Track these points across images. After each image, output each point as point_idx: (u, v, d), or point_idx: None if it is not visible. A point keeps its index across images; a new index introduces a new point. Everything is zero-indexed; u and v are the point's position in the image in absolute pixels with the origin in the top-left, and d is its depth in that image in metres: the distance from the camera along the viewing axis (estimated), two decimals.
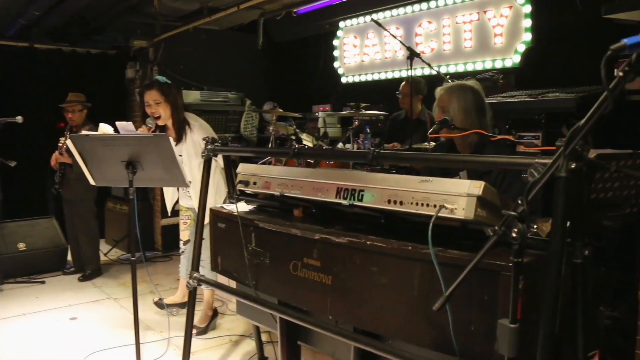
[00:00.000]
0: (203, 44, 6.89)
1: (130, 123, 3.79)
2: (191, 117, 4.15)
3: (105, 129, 3.36)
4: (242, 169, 2.72)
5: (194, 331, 4.03)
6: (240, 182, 2.68)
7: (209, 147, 2.94)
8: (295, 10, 5.71)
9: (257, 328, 3.46)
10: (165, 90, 3.99)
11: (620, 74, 1.19)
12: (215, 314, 4.38)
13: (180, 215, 4.41)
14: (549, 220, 1.83)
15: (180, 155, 4.03)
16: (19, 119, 5.19)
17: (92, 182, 3.32)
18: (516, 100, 3.89)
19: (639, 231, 2.57)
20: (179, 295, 4.58)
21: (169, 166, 3.06)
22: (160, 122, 4.01)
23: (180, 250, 4.45)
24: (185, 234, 4.39)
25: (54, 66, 7.19)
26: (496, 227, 1.42)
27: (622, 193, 2.29)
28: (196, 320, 4.09)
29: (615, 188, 2.20)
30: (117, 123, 3.59)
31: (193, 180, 3.90)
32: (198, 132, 4.04)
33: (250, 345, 4.00)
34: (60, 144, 5.49)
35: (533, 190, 1.35)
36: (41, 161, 6.24)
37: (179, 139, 4.05)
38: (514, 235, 1.37)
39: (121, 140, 3.14)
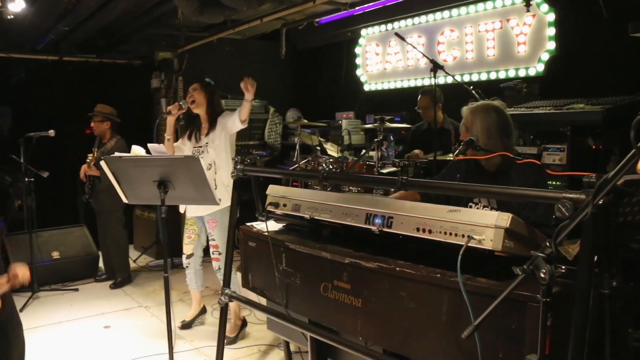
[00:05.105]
0: (226, 53, 6.99)
1: (162, 145, 3.90)
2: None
3: (137, 150, 3.47)
4: (272, 190, 2.79)
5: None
6: (270, 204, 2.74)
7: (238, 167, 3.02)
8: (317, 20, 5.76)
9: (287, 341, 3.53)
10: (205, 84, 4.32)
11: None
12: (244, 323, 4.47)
13: (185, 230, 4.46)
14: (575, 242, 1.87)
15: (207, 143, 4.24)
16: (51, 132, 5.38)
17: (124, 200, 3.43)
18: (541, 112, 3.90)
19: None
20: (195, 306, 4.71)
21: (199, 186, 3.14)
22: (193, 107, 4.22)
23: (185, 264, 4.50)
24: (189, 247, 4.44)
25: (82, 77, 7.38)
26: (525, 266, 1.47)
27: None
28: (226, 330, 4.19)
29: None
30: (149, 145, 3.70)
31: (217, 158, 4.21)
32: (226, 116, 4.29)
33: (279, 355, 4.08)
34: (88, 160, 5.64)
35: (562, 234, 1.39)
36: (71, 170, 6.41)
37: (209, 131, 4.27)
38: (542, 275, 1.41)
39: (153, 161, 3.23)
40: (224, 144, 4.23)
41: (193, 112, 4.27)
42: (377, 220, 2.21)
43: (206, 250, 4.57)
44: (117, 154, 3.33)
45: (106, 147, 5.72)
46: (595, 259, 1.57)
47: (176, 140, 4.36)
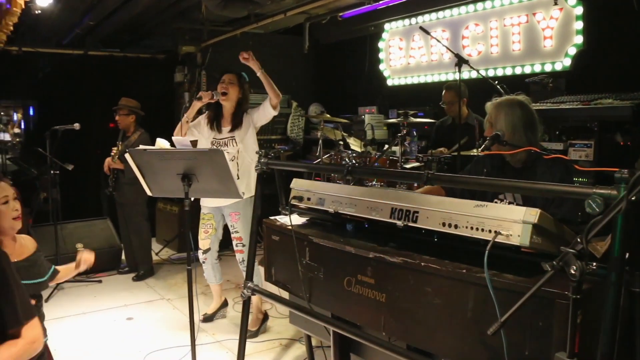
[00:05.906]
0: (249, 48, 6.98)
1: (187, 138, 3.93)
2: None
3: (162, 143, 3.49)
4: (296, 184, 2.78)
5: None
6: (294, 197, 2.74)
7: (262, 160, 3.02)
8: (340, 14, 5.74)
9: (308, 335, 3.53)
10: (242, 79, 4.36)
11: None
12: (265, 317, 4.48)
13: (202, 224, 4.47)
14: (603, 240, 1.83)
15: (233, 137, 4.26)
16: (76, 126, 5.45)
17: (148, 192, 3.45)
18: (568, 107, 3.84)
19: None
20: (216, 300, 4.74)
21: (223, 179, 3.14)
22: (224, 100, 4.23)
23: (201, 260, 4.52)
24: (206, 242, 4.45)
25: (106, 71, 7.45)
26: (554, 262, 1.44)
27: None
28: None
29: None
30: (174, 138, 3.72)
31: (247, 153, 4.24)
32: (251, 112, 4.33)
33: (300, 349, 4.09)
34: (112, 154, 5.71)
35: (593, 230, 1.36)
36: (95, 163, 6.50)
37: (234, 127, 4.27)
38: (572, 272, 1.39)
39: (177, 154, 3.24)
40: (253, 140, 4.27)
41: (220, 102, 4.25)
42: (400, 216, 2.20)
43: (224, 243, 4.59)
44: (141, 146, 3.36)
45: (130, 141, 5.77)
46: (626, 256, 1.54)
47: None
